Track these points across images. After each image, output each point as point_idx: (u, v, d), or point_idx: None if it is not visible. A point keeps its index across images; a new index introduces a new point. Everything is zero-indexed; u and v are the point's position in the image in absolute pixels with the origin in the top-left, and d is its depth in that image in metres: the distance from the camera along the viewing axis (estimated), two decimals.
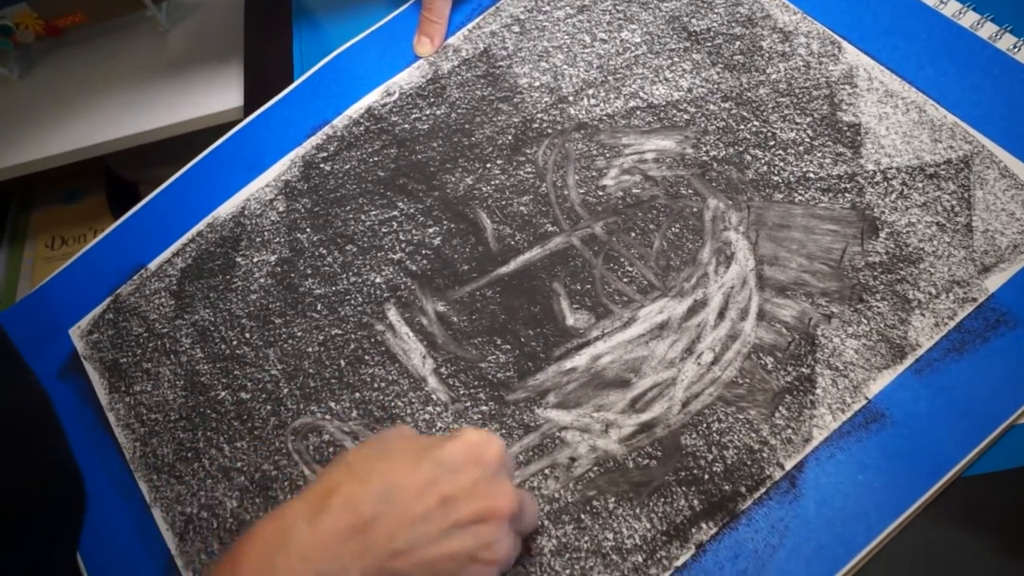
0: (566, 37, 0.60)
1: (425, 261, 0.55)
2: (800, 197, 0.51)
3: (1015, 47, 0.53)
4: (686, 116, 0.55)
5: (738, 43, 0.57)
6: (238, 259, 0.58)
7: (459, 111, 0.60)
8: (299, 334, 0.54)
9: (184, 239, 0.60)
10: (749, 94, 0.55)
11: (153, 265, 0.60)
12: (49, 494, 0.48)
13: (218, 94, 0.83)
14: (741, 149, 0.53)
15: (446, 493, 0.37)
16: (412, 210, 0.57)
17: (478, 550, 0.37)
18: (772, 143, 0.53)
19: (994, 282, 0.47)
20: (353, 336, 0.53)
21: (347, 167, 0.59)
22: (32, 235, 1.18)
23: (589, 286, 0.51)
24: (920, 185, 0.50)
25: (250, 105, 0.68)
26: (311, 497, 0.37)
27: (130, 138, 0.86)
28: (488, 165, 0.57)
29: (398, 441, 0.40)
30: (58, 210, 1.18)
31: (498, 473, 0.39)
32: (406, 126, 0.60)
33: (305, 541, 0.36)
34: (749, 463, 0.45)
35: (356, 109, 0.62)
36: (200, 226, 0.60)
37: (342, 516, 0.36)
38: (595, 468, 0.46)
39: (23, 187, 1.18)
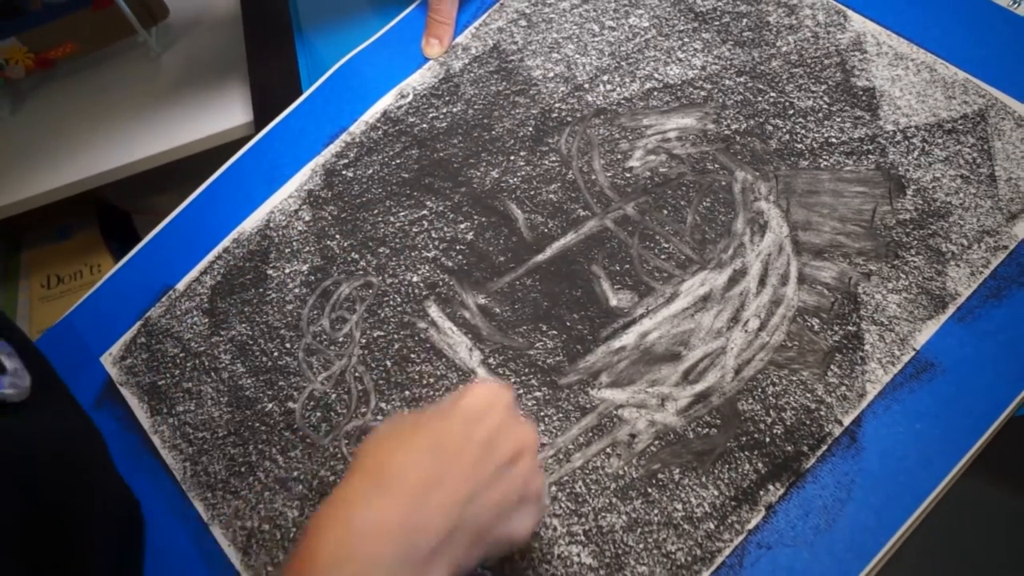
0: (574, 27, 0.61)
1: (460, 256, 0.55)
2: (825, 162, 0.52)
3: (1015, 3, 0.54)
4: (703, 93, 0.56)
5: (745, 20, 0.58)
6: (269, 271, 0.58)
7: (476, 107, 0.60)
8: (341, 339, 0.54)
9: (210, 257, 0.60)
10: (762, 67, 0.56)
11: (181, 285, 0.59)
12: (110, 519, 0.48)
13: (217, 114, 0.82)
14: (761, 120, 0.54)
15: (482, 439, 0.38)
16: (441, 208, 0.57)
17: (524, 486, 0.39)
18: (791, 112, 0.54)
19: (1022, 228, 0.48)
20: (396, 336, 0.53)
21: (370, 172, 0.59)
22: (25, 276, 1.16)
23: (628, 266, 0.52)
24: (940, 141, 0.51)
25: (260, 119, 0.68)
26: (363, 476, 0.37)
27: (129, 166, 0.85)
28: (512, 157, 0.57)
29: (412, 415, 0.40)
30: (50, 248, 1.16)
31: (514, 413, 0.41)
32: (424, 126, 0.60)
33: (377, 517, 0.35)
34: (808, 422, 0.45)
35: (372, 114, 0.62)
36: (226, 242, 0.60)
37: (404, 483, 0.35)
38: (656, 442, 0.47)
39: (10, 227, 1.16)
